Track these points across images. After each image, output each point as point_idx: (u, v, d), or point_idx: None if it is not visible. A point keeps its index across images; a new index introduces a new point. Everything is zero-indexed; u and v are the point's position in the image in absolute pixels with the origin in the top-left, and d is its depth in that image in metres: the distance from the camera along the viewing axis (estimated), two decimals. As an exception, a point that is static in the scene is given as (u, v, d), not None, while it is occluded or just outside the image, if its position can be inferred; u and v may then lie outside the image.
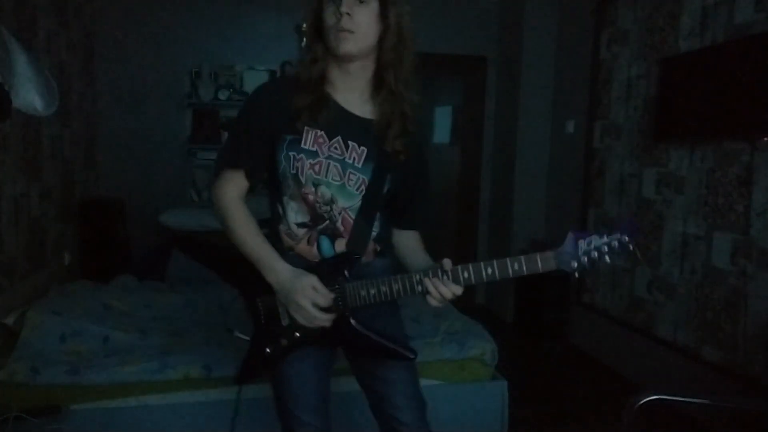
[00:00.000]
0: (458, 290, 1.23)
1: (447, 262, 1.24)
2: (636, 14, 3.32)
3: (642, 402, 1.56)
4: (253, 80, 4.07)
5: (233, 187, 1.34)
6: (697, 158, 2.83)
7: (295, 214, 1.34)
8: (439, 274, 1.22)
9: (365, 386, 1.46)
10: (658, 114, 3.07)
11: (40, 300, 2.34)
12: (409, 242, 1.46)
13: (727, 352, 2.63)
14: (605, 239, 1.12)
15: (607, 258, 1.12)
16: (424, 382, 1.49)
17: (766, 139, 2.44)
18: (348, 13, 1.21)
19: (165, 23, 4.03)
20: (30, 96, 2.35)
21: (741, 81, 2.52)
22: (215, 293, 2.76)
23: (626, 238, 1.11)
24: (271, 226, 1.38)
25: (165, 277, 3.32)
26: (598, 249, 1.13)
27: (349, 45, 1.24)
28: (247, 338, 1.39)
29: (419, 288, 1.25)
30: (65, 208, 3.29)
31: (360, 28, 1.23)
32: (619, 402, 1.63)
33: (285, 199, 1.34)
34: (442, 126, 5.27)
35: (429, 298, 1.24)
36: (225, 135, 4.00)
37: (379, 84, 1.32)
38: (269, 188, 1.39)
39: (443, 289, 1.22)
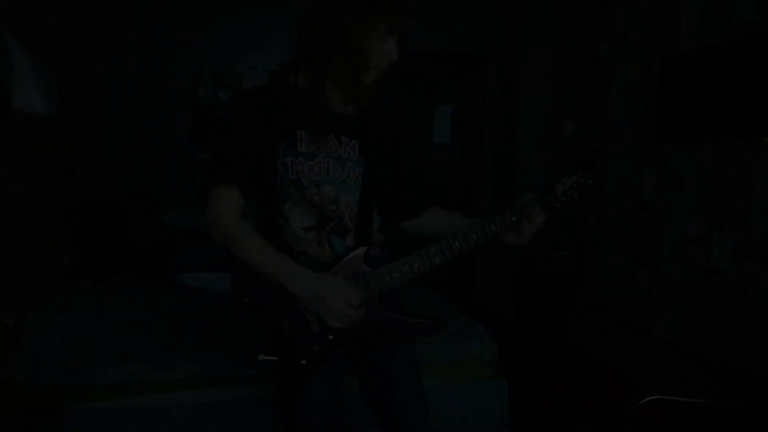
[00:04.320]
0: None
1: (528, 195, 1.33)
2: (636, 14, 3.32)
3: (642, 402, 1.56)
4: (253, 80, 4.06)
5: (231, 203, 1.26)
6: (697, 158, 2.83)
7: (300, 220, 1.31)
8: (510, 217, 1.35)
9: (368, 385, 1.45)
10: (658, 114, 3.07)
11: (40, 300, 2.34)
12: (439, 212, 1.53)
13: (727, 352, 2.63)
14: (573, 179, 1.29)
15: (577, 195, 1.29)
16: (424, 382, 1.48)
17: (766, 139, 2.44)
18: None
19: (165, 23, 4.03)
20: (30, 96, 2.35)
21: (741, 81, 2.52)
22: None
23: (589, 174, 1.30)
24: (271, 237, 1.30)
25: (165, 277, 3.32)
26: (570, 187, 1.29)
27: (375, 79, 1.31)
28: (275, 358, 1.31)
29: (435, 258, 1.29)
30: (65, 208, 3.29)
31: None
32: (619, 402, 1.62)
33: (287, 206, 1.31)
34: (442, 126, 5.26)
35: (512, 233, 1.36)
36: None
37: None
38: (261, 199, 1.35)
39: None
